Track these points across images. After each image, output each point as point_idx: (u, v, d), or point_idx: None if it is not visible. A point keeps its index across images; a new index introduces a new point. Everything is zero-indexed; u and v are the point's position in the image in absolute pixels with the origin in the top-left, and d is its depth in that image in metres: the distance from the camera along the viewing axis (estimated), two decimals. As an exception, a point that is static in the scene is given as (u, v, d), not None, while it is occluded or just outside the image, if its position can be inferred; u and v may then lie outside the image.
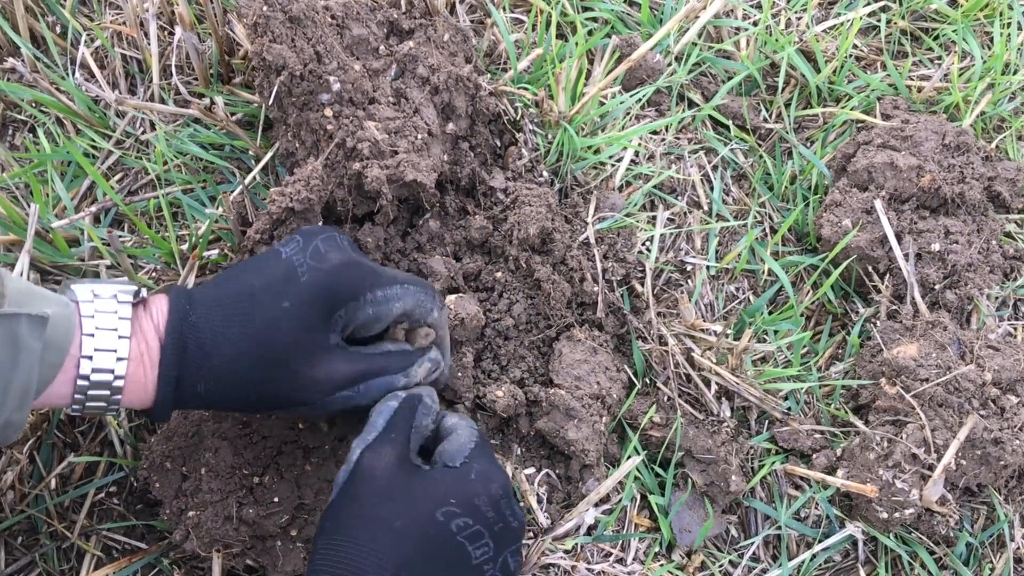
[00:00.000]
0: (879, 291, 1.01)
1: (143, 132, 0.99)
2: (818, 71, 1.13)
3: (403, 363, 0.73)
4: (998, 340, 0.96)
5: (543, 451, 0.91)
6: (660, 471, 0.92)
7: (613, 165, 1.03)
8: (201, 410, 0.79)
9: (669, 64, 1.11)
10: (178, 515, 0.79)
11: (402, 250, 0.92)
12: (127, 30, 1.01)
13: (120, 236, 0.94)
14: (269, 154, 0.95)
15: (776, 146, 1.11)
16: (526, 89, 1.03)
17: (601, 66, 1.04)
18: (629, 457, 0.90)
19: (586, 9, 1.13)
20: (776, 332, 0.99)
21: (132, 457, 0.86)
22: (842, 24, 1.17)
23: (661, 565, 0.88)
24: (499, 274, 0.92)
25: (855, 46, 1.19)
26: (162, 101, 1.00)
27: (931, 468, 0.88)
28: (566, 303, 0.92)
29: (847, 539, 0.92)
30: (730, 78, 1.13)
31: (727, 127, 1.11)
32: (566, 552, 0.87)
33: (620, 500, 0.89)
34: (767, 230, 1.07)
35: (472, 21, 1.11)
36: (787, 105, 1.13)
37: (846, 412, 0.97)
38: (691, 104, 1.12)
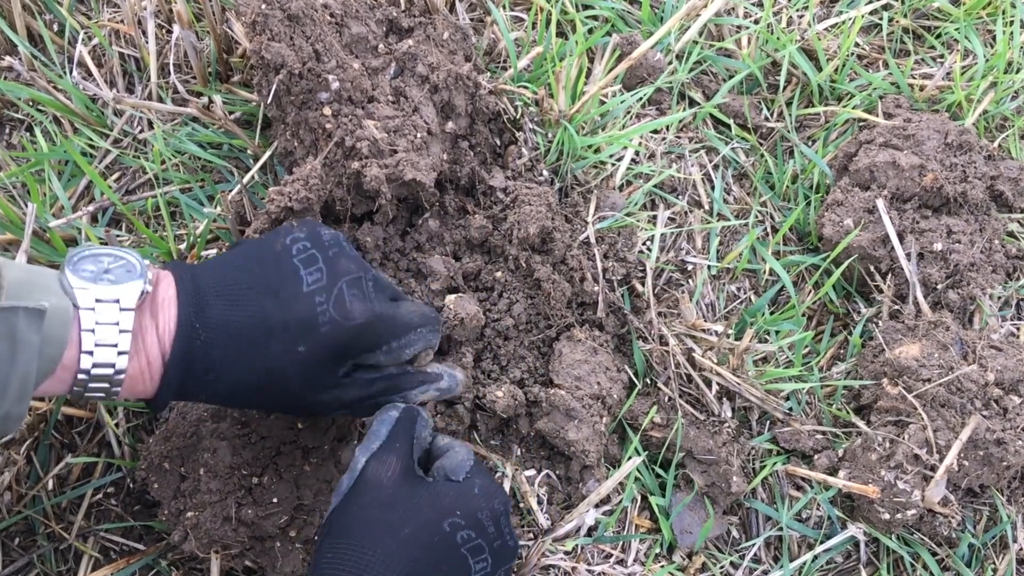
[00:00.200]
0: (881, 291, 1.01)
1: (141, 131, 0.98)
2: (820, 69, 1.13)
3: (406, 385, 0.74)
4: (1001, 340, 0.96)
5: (543, 452, 0.90)
6: (661, 472, 0.92)
7: (613, 164, 1.03)
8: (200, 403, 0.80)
9: (670, 62, 1.10)
10: (176, 516, 0.78)
11: (401, 249, 0.91)
12: (125, 28, 1.01)
13: (118, 235, 0.94)
14: (268, 153, 0.95)
15: (777, 145, 1.11)
16: (526, 88, 1.02)
17: (601, 64, 1.04)
18: (630, 458, 0.90)
19: (586, 7, 1.13)
20: (777, 332, 0.99)
21: (130, 458, 0.86)
22: (844, 22, 1.17)
23: (662, 566, 0.87)
24: (499, 274, 0.91)
25: (857, 44, 1.18)
26: (160, 100, 1.00)
27: (933, 469, 0.88)
28: (566, 303, 0.91)
29: (849, 540, 0.92)
30: (731, 76, 1.13)
31: (728, 126, 1.11)
32: (566, 553, 0.86)
33: (621, 501, 0.89)
34: (768, 229, 1.07)
35: (472, 19, 1.10)
36: (788, 104, 1.13)
37: (848, 413, 0.96)
38: (692, 103, 1.12)
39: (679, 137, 1.09)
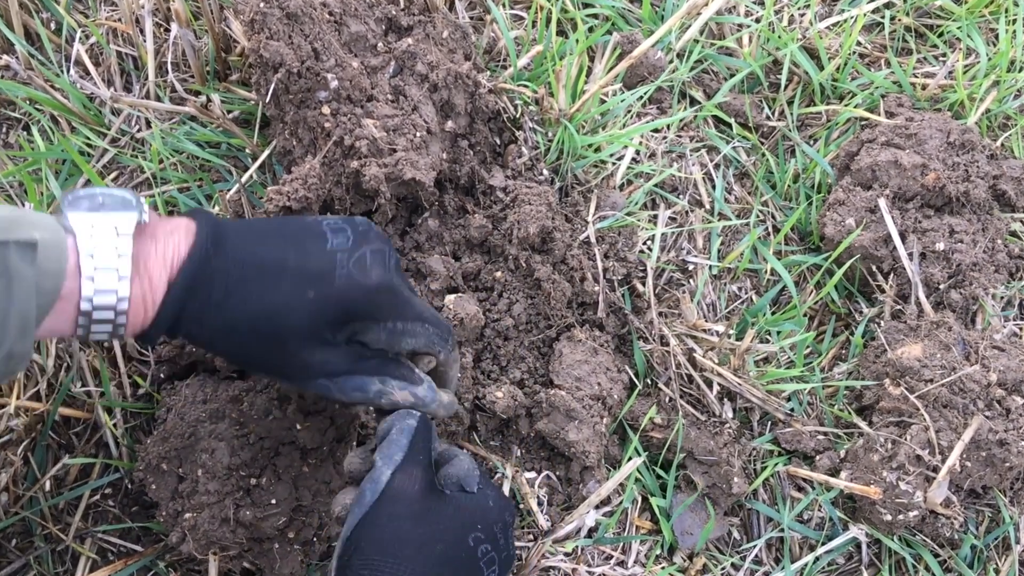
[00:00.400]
0: (883, 291, 1.00)
1: (139, 130, 0.98)
2: (821, 68, 1.12)
3: (391, 373, 0.73)
4: (1003, 340, 0.96)
5: (543, 452, 0.90)
6: (661, 473, 0.91)
7: (614, 163, 1.02)
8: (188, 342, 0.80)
9: (671, 61, 1.10)
10: (174, 517, 0.78)
11: (401, 249, 0.91)
12: (122, 27, 1.01)
13: (116, 235, 0.93)
14: (266, 152, 0.94)
15: (779, 144, 1.11)
16: (526, 86, 1.02)
17: (602, 63, 1.03)
18: (630, 459, 0.89)
19: (587, 5, 1.13)
20: (779, 332, 0.98)
21: (128, 459, 0.85)
22: (845, 21, 1.16)
23: (662, 568, 0.87)
24: (499, 274, 0.91)
25: (859, 43, 1.18)
26: (158, 99, 0.99)
27: (935, 470, 0.87)
28: (566, 303, 0.91)
29: (850, 541, 0.91)
30: (732, 75, 1.12)
31: (729, 125, 1.10)
32: (566, 555, 0.86)
33: (621, 502, 0.88)
34: (770, 229, 1.07)
35: (471, 18, 1.10)
36: (790, 103, 1.13)
37: (850, 413, 0.96)
38: (693, 102, 1.11)
39: (680, 136, 1.09)
